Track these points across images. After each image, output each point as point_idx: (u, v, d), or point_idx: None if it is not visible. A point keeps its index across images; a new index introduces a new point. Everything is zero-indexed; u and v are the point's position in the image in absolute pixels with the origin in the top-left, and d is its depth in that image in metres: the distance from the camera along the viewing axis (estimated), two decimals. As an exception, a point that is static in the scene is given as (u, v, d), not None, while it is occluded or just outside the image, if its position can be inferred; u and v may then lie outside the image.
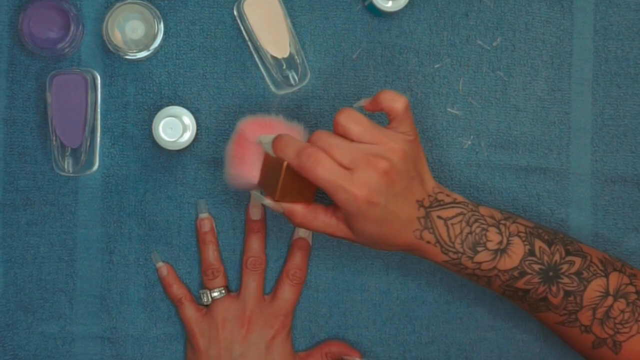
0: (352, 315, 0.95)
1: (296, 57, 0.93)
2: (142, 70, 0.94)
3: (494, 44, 0.95)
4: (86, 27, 0.94)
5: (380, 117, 0.94)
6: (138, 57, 0.92)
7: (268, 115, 0.86)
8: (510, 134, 0.95)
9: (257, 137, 0.84)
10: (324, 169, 0.77)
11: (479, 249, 0.81)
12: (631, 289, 0.83)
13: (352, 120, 0.79)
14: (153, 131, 0.91)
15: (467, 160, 0.95)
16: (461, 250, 0.81)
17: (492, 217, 0.83)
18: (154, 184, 0.95)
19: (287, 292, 0.93)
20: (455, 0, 0.95)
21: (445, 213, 0.82)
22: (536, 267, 0.82)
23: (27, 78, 0.94)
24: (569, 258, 0.83)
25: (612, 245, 0.95)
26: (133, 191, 0.95)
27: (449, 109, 0.95)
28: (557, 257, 0.83)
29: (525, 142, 0.95)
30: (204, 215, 0.94)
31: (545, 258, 0.82)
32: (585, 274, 0.83)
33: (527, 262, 0.82)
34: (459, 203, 0.83)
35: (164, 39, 0.94)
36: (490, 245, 0.82)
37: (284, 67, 0.93)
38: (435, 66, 0.95)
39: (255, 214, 0.93)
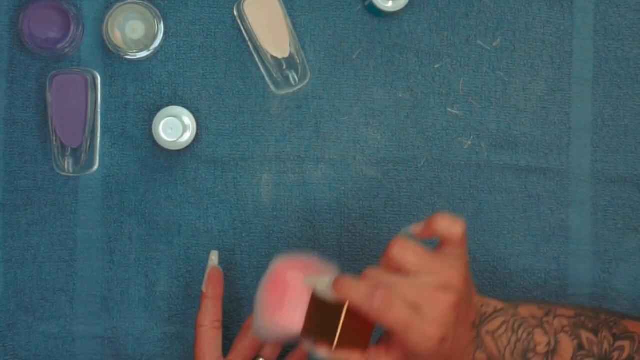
0: (352, 315, 0.95)
1: (296, 57, 0.93)
2: (142, 70, 0.94)
3: (494, 44, 0.95)
4: (86, 27, 0.94)
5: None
6: (138, 57, 0.92)
7: (300, 255, 0.80)
8: (510, 134, 0.95)
9: (293, 279, 0.77)
10: (396, 311, 0.70)
11: (530, 355, 0.77)
12: None
13: (407, 252, 0.73)
14: (153, 131, 0.91)
15: (467, 160, 0.95)
16: None
17: (533, 317, 0.79)
18: (154, 184, 0.95)
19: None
20: (455, 0, 0.95)
21: (491, 326, 0.77)
22: None
23: (27, 78, 0.94)
24: (617, 344, 0.79)
25: (612, 245, 0.95)
26: (133, 191, 0.95)
27: (449, 109, 0.95)
28: (606, 345, 0.79)
29: (525, 142, 0.95)
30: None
31: (595, 349, 0.79)
32: (636, 358, 0.79)
33: (578, 358, 0.78)
34: (499, 310, 0.78)
35: (164, 39, 0.94)
36: (539, 349, 0.78)
37: (284, 67, 0.93)
38: (435, 66, 0.95)
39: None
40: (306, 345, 0.76)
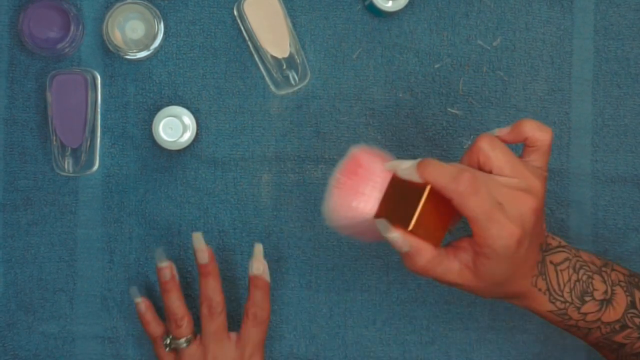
0: (352, 316, 0.95)
1: (296, 57, 0.93)
2: (142, 70, 0.94)
3: (494, 44, 0.95)
4: (86, 27, 0.94)
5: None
6: (138, 57, 0.92)
7: (375, 149, 0.78)
8: (510, 134, 0.95)
9: (371, 164, 0.75)
10: (481, 197, 0.69)
11: (587, 298, 0.76)
12: None
13: (496, 148, 0.71)
14: (153, 131, 0.91)
15: (467, 160, 0.95)
16: (569, 299, 0.76)
17: (593, 264, 0.77)
18: (154, 184, 0.95)
19: (251, 332, 0.89)
20: (455, 0, 0.95)
21: (555, 258, 0.76)
22: (637, 320, 0.77)
23: (27, 78, 0.94)
24: None
25: (612, 245, 0.95)
26: (133, 191, 0.95)
27: (449, 109, 0.95)
28: None
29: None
30: (163, 264, 0.90)
31: None
32: None
33: (629, 315, 0.77)
34: (564, 247, 0.77)
35: (164, 39, 0.94)
36: (597, 294, 0.76)
37: (284, 67, 0.93)
38: (435, 66, 0.95)
39: (202, 258, 0.89)
40: (379, 226, 0.73)
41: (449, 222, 0.73)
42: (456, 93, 0.95)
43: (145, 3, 0.92)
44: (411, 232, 0.71)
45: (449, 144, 0.95)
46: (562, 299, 0.75)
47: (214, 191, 0.95)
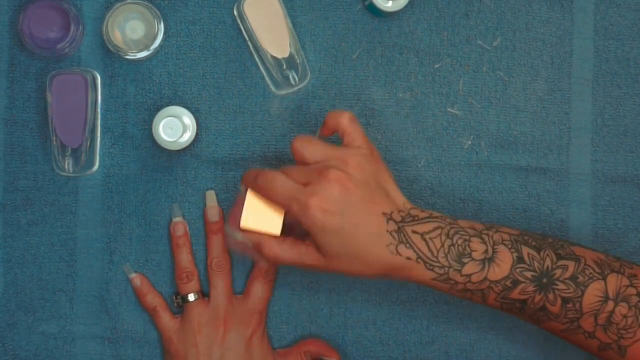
0: (352, 316, 0.95)
1: (296, 57, 0.93)
2: (142, 70, 0.94)
3: (494, 44, 0.95)
4: (86, 27, 0.94)
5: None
6: (138, 57, 0.92)
7: None
8: (510, 134, 0.95)
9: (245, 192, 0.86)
10: (279, 185, 0.80)
11: (465, 260, 0.79)
12: (632, 291, 0.80)
13: (304, 143, 0.82)
14: (153, 131, 0.91)
15: (467, 160, 0.95)
16: (447, 263, 0.79)
17: (472, 229, 0.81)
18: (154, 184, 0.95)
19: (259, 290, 0.92)
20: (455, 0, 0.95)
21: (421, 228, 0.80)
22: (528, 274, 0.79)
23: (27, 78, 0.94)
24: (560, 262, 0.80)
25: (612, 245, 0.95)
26: (133, 191, 0.95)
27: (449, 109, 0.95)
28: (548, 262, 0.80)
29: (525, 142, 0.95)
30: (177, 219, 0.93)
31: (536, 264, 0.80)
32: (580, 278, 0.80)
33: (517, 270, 0.79)
34: (435, 217, 0.81)
35: (164, 39, 0.94)
36: (475, 255, 0.79)
37: (284, 67, 0.93)
38: (435, 66, 0.95)
39: (213, 215, 0.93)
40: (229, 232, 0.87)
41: (283, 215, 0.83)
42: (456, 93, 0.95)
43: (145, 3, 0.92)
44: (244, 226, 0.83)
45: (449, 144, 0.95)
46: (438, 264, 0.79)
47: (214, 190, 0.95)
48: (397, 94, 0.95)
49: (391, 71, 0.95)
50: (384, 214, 0.80)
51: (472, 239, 0.80)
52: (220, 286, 0.92)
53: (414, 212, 0.81)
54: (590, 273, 0.80)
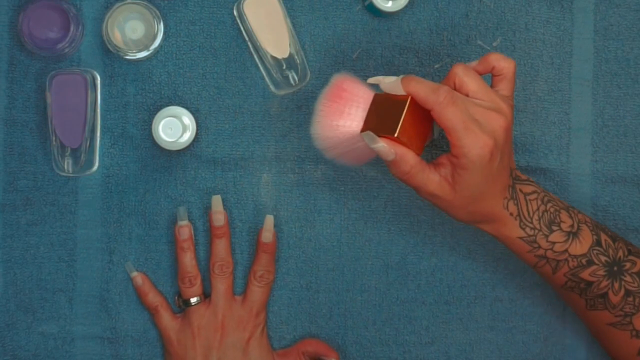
0: (352, 316, 0.95)
1: (296, 57, 0.93)
2: (142, 70, 0.94)
3: (494, 44, 0.95)
4: (86, 27, 0.94)
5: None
6: (138, 57, 0.92)
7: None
8: (510, 134, 0.95)
9: (353, 87, 0.82)
10: (458, 109, 0.76)
11: (554, 227, 0.81)
12: None
13: (469, 74, 0.79)
14: (153, 131, 0.91)
15: (467, 161, 0.95)
16: (538, 226, 0.81)
17: (561, 202, 0.84)
18: (154, 184, 0.95)
19: (256, 293, 0.92)
20: (455, 0, 0.95)
21: (525, 188, 0.82)
22: (603, 258, 0.82)
23: (27, 78, 0.94)
24: (631, 257, 0.83)
25: (612, 245, 0.95)
26: (133, 191, 0.95)
27: (449, 109, 0.95)
28: (620, 253, 0.83)
29: (525, 142, 0.95)
30: (183, 222, 0.93)
31: (611, 251, 0.82)
32: None
33: (594, 252, 0.82)
34: (532, 182, 0.83)
35: (164, 39, 0.94)
36: (564, 226, 0.82)
37: (284, 67, 0.93)
38: (435, 66, 0.95)
39: (218, 220, 0.92)
40: (366, 138, 0.79)
41: (428, 135, 0.81)
42: (456, 93, 0.95)
43: (145, 3, 0.92)
44: (396, 140, 0.78)
45: (449, 144, 0.95)
46: (531, 225, 0.81)
47: (214, 191, 0.95)
48: (397, 94, 0.95)
49: (391, 71, 0.95)
50: (511, 169, 0.82)
51: (561, 210, 0.82)
52: (221, 290, 0.92)
53: (517, 172, 0.83)
54: None
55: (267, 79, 0.94)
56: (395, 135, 0.78)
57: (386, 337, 0.95)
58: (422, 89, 0.77)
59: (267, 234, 0.93)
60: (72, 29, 0.91)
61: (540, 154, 0.95)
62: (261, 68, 0.94)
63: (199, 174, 0.95)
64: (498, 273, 0.95)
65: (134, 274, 0.94)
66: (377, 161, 0.94)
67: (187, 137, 0.92)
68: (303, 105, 0.95)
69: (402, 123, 0.78)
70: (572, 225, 0.82)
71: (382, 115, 0.80)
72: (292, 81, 0.93)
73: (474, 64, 0.82)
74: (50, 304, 0.95)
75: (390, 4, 0.92)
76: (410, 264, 0.95)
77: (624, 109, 0.95)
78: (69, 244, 0.95)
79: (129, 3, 0.91)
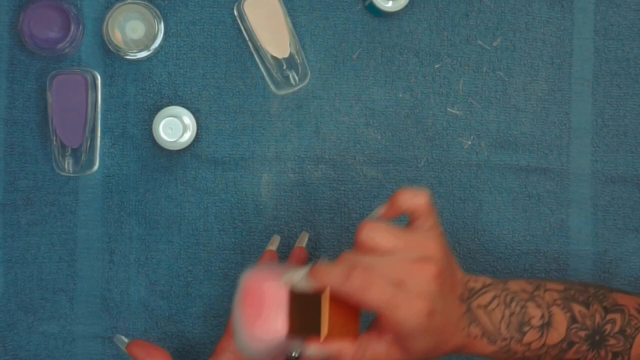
0: (352, 315, 0.95)
1: (296, 57, 0.93)
2: (142, 70, 0.94)
3: (494, 44, 0.95)
4: (86, 27, 0.94)
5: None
6: (138, 57, 0.92)
7: (268, 266, 0.79)
8: (510, 134, 0.95)
9: (267, 286, 0.73)
10: (378, 289, 0.69)
11: (525, 329, 0.76)
12: None
13: (377, 233, 0.71)
14: (153, 131, 0.91)
15: (467, 160, 0.95)
16: (508, 335, 0.75)
17: (524, 291, 0.77)
18: (154, 184, 0.95)
19: None
20: (455, 0, 0.95)
21: (483, 300, 0.75)
22: (582, 334, 0.78)
23: (27, 78, 0.94)
24: (609, 317, 0.78)
25: (612, 245, 0.95)
26: (133, 191, 0.95)
27: (449, 109, 0.95)
28: (597, 318, 0.78)
29: (525, 142, 0.95)
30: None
31: (588, 322, 0.78)
32: (628, 331, 0.78)
33: (572, 331, 0.77)
34: (489, 285, 0.77)
35: (164, 39, 0.94)
36: (534, 322, 0.76)
37: (284, 67, 0.93)
38: (435, 66, 0.95)
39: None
40: (294, 347, 0.73)
41: (359, 313, 0.74)
42: (456, 93, 0.95)
43: (145, 3, 0.92)
44: (329, 337, 0.71)
45: (449, 144, 0.95)
46: (500, 337, 0.75)
47: (214, 191, 0.95)
48: (397, 94, 0.95)
49: (391, 71, 0.95)
50: (459, 296, 0.75)
51: (527, 304, 0.76)
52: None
53: (470, 284, 0.76)
54: (636, 324, 0.79)
55: (267, 79, 0.94)
56: (321, 338, 0.71)
57: (386, 336, 0.95)
58: (332, 280, 0.70)
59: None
60: (72, 29, 0.91)
61: (540, 154, 0.95)
62: (261, 68, 0.94)
63: (199, 174, 0.95)
64: (498, 273, 0.95)
65: (125, 345, 0.87)
66: (378, 161, 0.95)
67: (188, 137, 0.92)
68: (303, 105, 0.95)
69: (324, 322, 0.71)
70: (542, 316, 0.76)
71: (304, 315, 0.72)
72: (292, 81, 0.93)
73: (382, 210, 0.75)
74: (51, 303, 0.95)
75: (390, 4, 0.91)
76: (410, 263, 0.95)
77: (624, 109, 0.95)
78: (69, 243, 0.95)
79: (129, 3, 0.91)
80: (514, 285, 0.77)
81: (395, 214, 0.74)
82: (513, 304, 0.76)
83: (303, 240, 0.92)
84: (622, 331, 0.79)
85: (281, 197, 0.95)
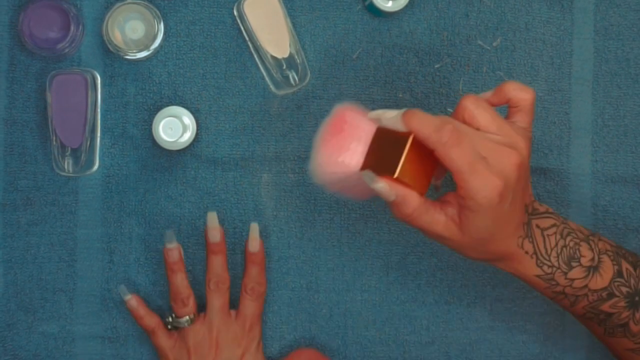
0: (352, 316, 0.95)
1: (296, 57, 0.93)
2: (142, 70, 0.94)
3: (494, 44, 0.95)
4: (86, 27, 0.94)
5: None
6: (138, 57, 0.92)
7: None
8: (510, 134, 0.95)
9: (354, 119, 0.76)
10: (464, 149, 0.69)
11: (574, 264, 0.77)
12: None
13: (480, 107, 0.73)
14: (153, 131, 0.91)
15: (467, 160, 0.95)
16: (556, 264, 0.76)
17: (581, 232, 0.79)
18: (154, 184, 0.95)
19: (248, 307, 0.92)
20: (455, 0, 0.95)
21: (542, 223, 0.77)
22: (624, 289, 0.78)
23: (27, 78, 0.94)
24: None
25: (612, 245, 0.95)
26: (133, 191, 0.95)
27: (449, 109, 0.95)
28: None
29: (525, 142, 0.95)
30: (171, 245, 0.92)
31: (632, 281, 0.78)
32: None
33: (616, 284, 0.78)
34: (552, 213, 0.78)
35: (164, 39, 0.94)
36: (584, 261, 0.77)
37: (284, 67, 0.93)
38: (436, 66, 0.95)
39: (214, 236, 0.92)
40: (365, 178, 0.74)
41: (433, 173, 0.75)
42: (456, 93, 0.95)
43: (145, 3, 0.92)
44: (397, 180, 0.72)
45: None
46: (549, 263, 0.76)
47: (214, 191, 0.95)
48: (397, 94, 0.95)
49: (391, 71, 0.95)
50: (525, 205, 0.76)
51: (581, 243, 0.78)
52: (216, 306, 0.91)
53: (536, 205, 0.78)
54: None
55: (267, 79, 0.94)
56: (395, 176, 0.72)
57: (386, 337, 0.96)
58: (425, 127, 0.71)
59: (254, 243, 0.92)
60: (72, 29, 0.91)
61: (540, 154, 0.95)
62: (261, 68, 0.94)
63: (199, 174, 0.95)
64: (498, 273, 0.95)
65: (128, 297, 0.92)
66: (377, 161, 0.95)
67: (187, 137, 0.92)
68: (303, 105, 0.95)
69: (403, 163, 0.72)
70: (592, 259, 0.77)
71: (383, 153, 0.74)
72: (292, 81, 0.93)
73: (488, 94, 0.76)
74: (50, 303, 0.95)
75: (390, 4, 0.91)
76: (410, 264, 0.95)
77: (624, 109, 0.95)
78: (69, 243, 0.95)
79: (129, 3, 0.91)
80: (573, 225, 0.79)
81: (499, 100, 0.76)
82: (568, 238, 0.77)
83: (254, 233, 0.93)
84: None
85: (281, 197, 0.95)
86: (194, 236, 0.95)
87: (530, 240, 0.76)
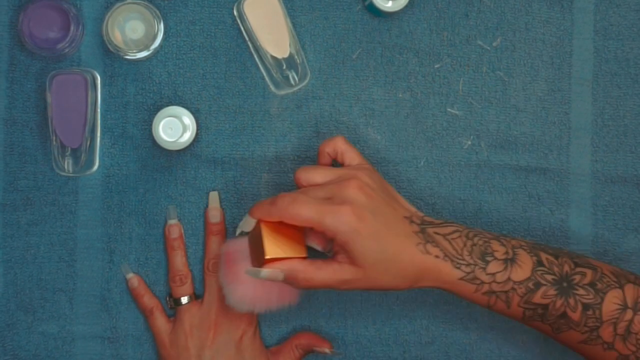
0: (352, 316, 0.95)
1: (296, 57, 0.93)
2: (142, 70, 0.94)
3: (494, 44, 0.95)
4: (86, 27, 0.94)
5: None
6: (138, 57, 0.92)
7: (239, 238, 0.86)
8: (510, 134, 0.95)
9: (236, 247, 0.85)
10: (302, 204, 0.77)
11: (489, 258, 0.79)
12: None
13: (310, 171, 0.81)
14: (153, 131, 0.91)
15: (467, 160, 0.95)
16: (472, 261, 0.79)
17: (489, 233, 0.82)
18: (154, 184, 0.95)
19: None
20: (455, 0, 0.95)
21: (442, 230, 0.80)
22: (549, 277, 0.80)
23: (27, 78, 0.94)
24: (578, 269, 0.81)
25: (612, 245, 0.95)
26: (133, 191, 0.95)
27: (449, 109, 0.95)
28: (566, 268, 0.80)
29: (525, 142, 0.95)
30: (172, 221, 0.93)
31: (555, 268, 0.80)
32: (599, 285, 0.80)
33: (539, 272, 0.80)
34: (451, 223, 0.82)
35: (164, 39, 0.94)
36: (498, 255, 0.80)
37: (284, 67, 0.93)
38: (435, 66, 0.95)
39: (214, 216, 0.93)
40: (251, 274, 0.81)
41: (302, 237, 0.82)
42: (456, 93, 0.95)
43: (145, 3, 0.92)
44: (272, 260, 0.79)
45: (449, 144, 0.95)
46: (464, 261, 0.79)
47: (214, 190, 0.95)
48: (397, 94, 0.95)
49: (391, 71, 0.95)
50: (404, 217, 0.80)
51: (491, 241, 0.81)
52: (214, 288, 0.92)
53: (427, 218, 0.82)
54: (608, 281, 0.81)
55: (267, 79, 0.94)
56: (266, 257, 0.79)
57: (386, 336, 0.96)
58: (260, 209, 0.79)
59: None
60: (72, 29, 0.91)
61: (540, 154, 0.95)
62: (261, 68, 0.94)
63: (199, 174, 0.95)
64: (498, 273, 0.95)
65: (130, 275, 0.94)
66: (378, 161, 0.95)
67: (187, 137, 0.92)
68: (303, 105, 0.95)
69: (266, 244, 0.79)
70: (506, 253, 0.80)
71: (254, 248, 0.82)
72: (292, 81, 0.93)
73: (319, 161, 0.86)
74: (50, 303, 0.95)
75: (390, 4, 0.92)
76: (410, 263, 0.95)
77: (624, 109, 0.95)
78: (69, 243, 0.95)
79: (129, 3, 0.91)
80: (479, 230, 0.82)
81: (326, 160, 0.85)
82: (476, 239, 0.80)
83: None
84: (592, 284, 0.80)
85: (281, 197, 0.95)
86: (193, 236, 0.95)
87: (434, 244, 0.79)
